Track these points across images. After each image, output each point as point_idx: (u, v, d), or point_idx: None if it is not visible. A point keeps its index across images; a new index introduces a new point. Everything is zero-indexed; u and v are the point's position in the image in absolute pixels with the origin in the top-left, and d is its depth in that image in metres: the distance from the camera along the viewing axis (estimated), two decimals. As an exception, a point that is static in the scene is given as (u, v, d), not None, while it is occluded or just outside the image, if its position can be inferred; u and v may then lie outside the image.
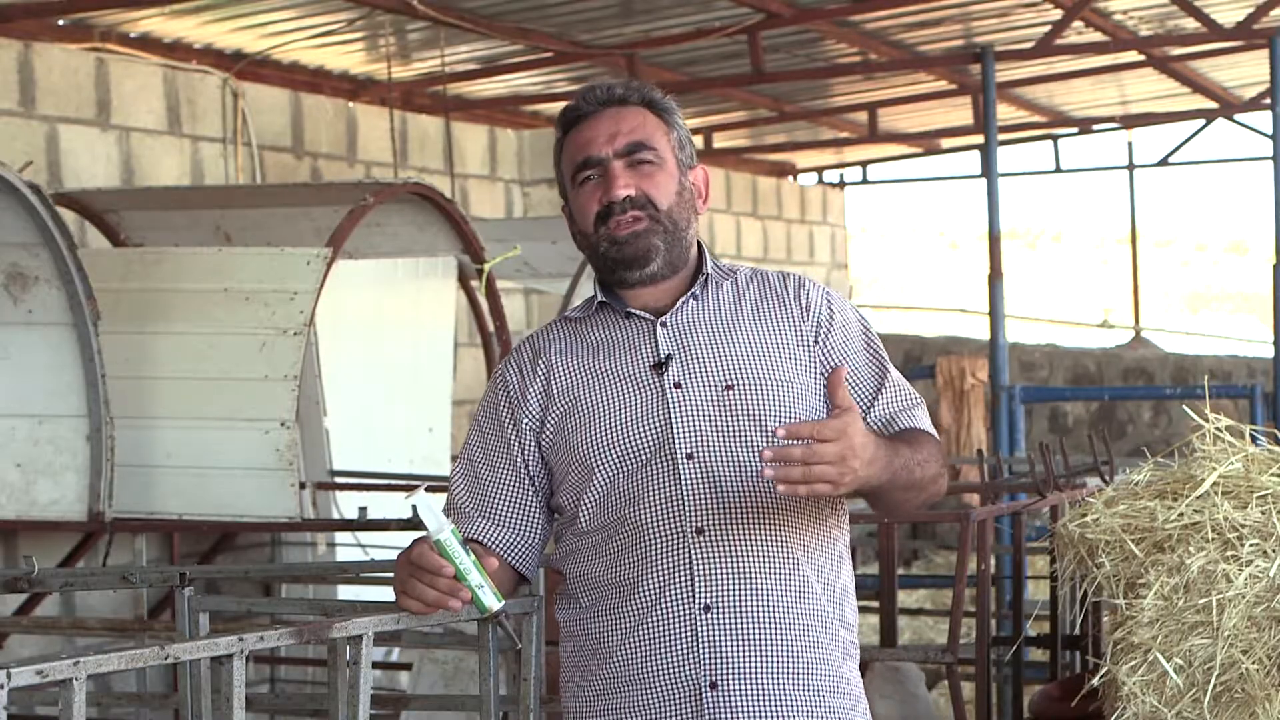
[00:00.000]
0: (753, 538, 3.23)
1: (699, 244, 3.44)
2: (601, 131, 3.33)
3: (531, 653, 3.62)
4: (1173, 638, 4.28)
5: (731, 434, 3.26)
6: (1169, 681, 4.24)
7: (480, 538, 3.35)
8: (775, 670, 3.22)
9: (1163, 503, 4.49)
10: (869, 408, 3.35)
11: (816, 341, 3.36)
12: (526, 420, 3.38)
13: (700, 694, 3.21)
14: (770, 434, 3.21)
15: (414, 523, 3.14)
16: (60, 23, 9.64)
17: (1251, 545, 4.29)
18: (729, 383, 3.28)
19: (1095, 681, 4.51)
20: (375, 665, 5.10)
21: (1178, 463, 4.72)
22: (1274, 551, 4.26)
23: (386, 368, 9.50)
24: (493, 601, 3.17)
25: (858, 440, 3.01)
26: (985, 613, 5.90)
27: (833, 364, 3.35)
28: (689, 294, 3.37)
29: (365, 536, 8.04)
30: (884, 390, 3.38)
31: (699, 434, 3.26)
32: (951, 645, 5.94)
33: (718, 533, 3.23)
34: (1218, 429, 4.59)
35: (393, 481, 8.59)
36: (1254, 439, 4.72)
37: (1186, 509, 4.39)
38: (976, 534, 5.91)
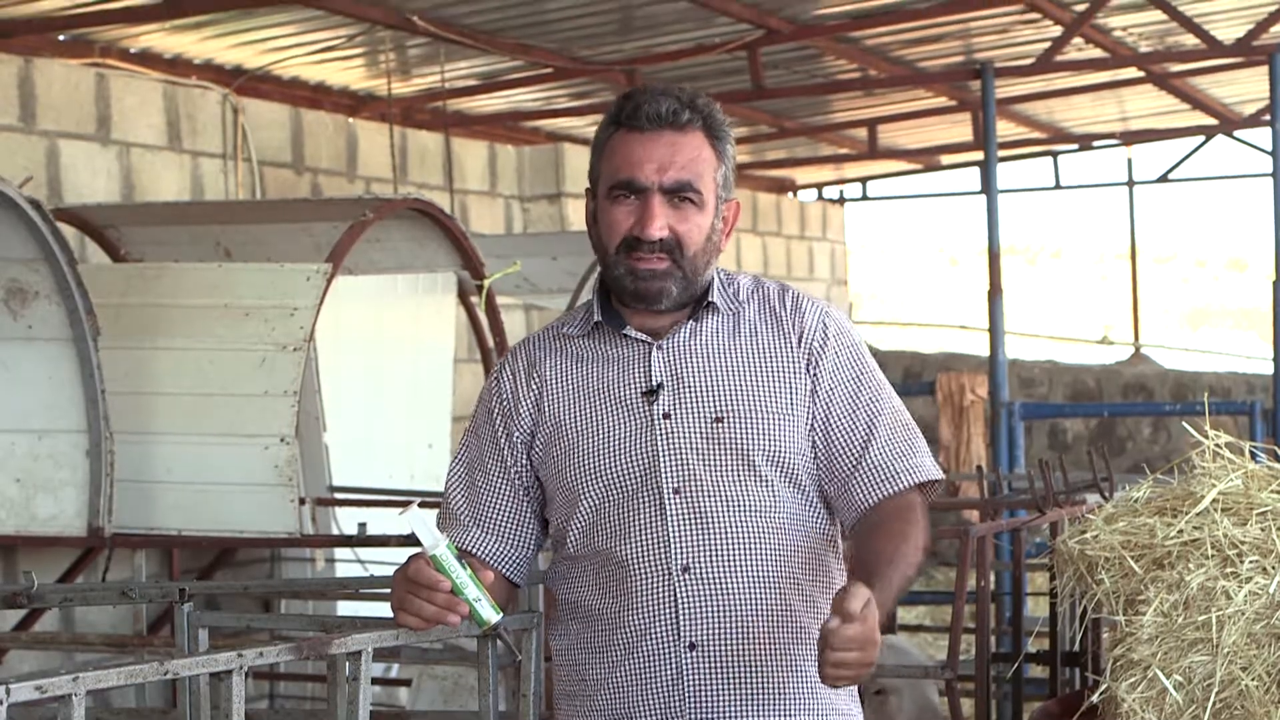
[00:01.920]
0: (739, 575, 3.21)
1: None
2: (654, 157, 3.24)
3: (531, 669, 3.62)
4: (1172, 654, 4.27)
5: (719, 468, 3.23)
6: (1169, 698, 4.24)
7: (474, 547, 3.35)
8: (760, 709, 3.21)
9: (1162, 519, 4.48)
10: (861, 453, 3.29)
11: (808, 370, 3.31)
12: (519, 433, 3.36)
13: None
14: (756, 467, 3.20)
15: (413, 539, 3.14)
16: (61, 38, 9.65)
17: (1251, 562, 4.29)
18: (718, 414, 3.25)
19: (1095, 698, 4.50)
20: (374, 681, 5.09)
21: (1177, 479, 4.71)
22: (1274, 568, 4.26)
23: (386, 383, 9.50)
24: (490, 615, 3.17)
25: (870, 630, 2.92)
26: (985, 629, 5.90)
27: (821, 397, 3.29)
28: (689, 318, 3.33)
29: (364, 552, 8.03)
30: (877, 433, 3.30)
31: (686, 468, 3.23)
32: (951, 661, 5.93)
33: (703, 570, 3.21)
34: (1217, 445, 4.59)
35: (392, 497, 8.58)
36: (1254, 455, 4.71)
37: (1186, 526, 4.38)
38: (976, 550, 5.91)
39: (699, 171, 3.27)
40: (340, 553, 8.53)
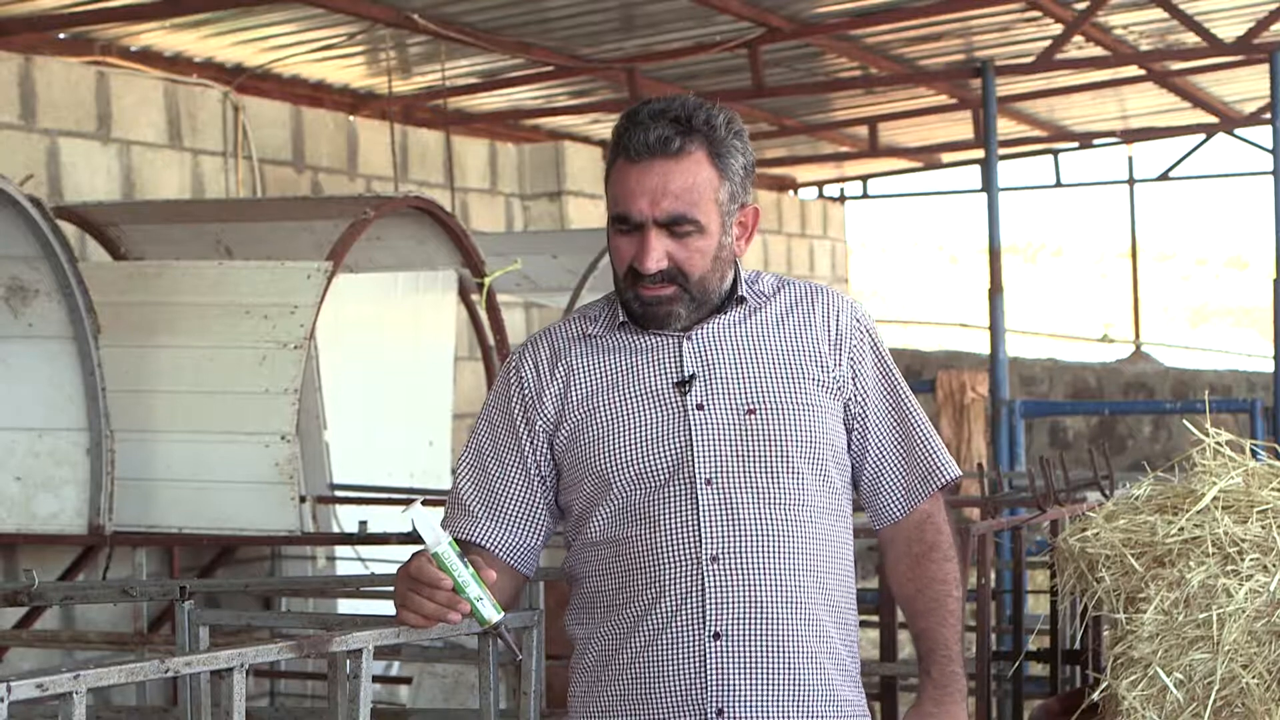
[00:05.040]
0: (766, 566, 3.22)
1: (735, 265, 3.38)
2: (647, 187, 3.19)
3: (532, 666, 3.61)
4: (1173, 652, 4.27)
5: (751, 459, 3.24)
6: (1169, 696, 4.23)
7: (485, 539, 3.34)
8: (780, 699, 3.23)
9: (1163, 517, 4.48)
10: (897, 457, 3.41)
11: (845, 365, 3.36)
12: (541, 421, 3.35)
13: (707, 719, 3.21)
14: (789, 460, 3.25)
15: (414, 536, 3.14)
16: (61, 36, 9.66)
17: (1251, 560, 4.28)
18: (751, 406, 3.26)
19: (1095, 696, 4.50)
20: (375, 679, 5.09)
21: (1178, 477, 4.71)
22: (1274, 566, 4.26)
23: (386, 381, 9.50)
24: (491, 613, 3.17)
25: None
26: (985, 627, 5.89)
27: (862, 396, 3.38)
28: (716, 312, 3.33)
29: (365, 550, 8.03)
30: (912, 438, 3.42)
31: (719, 459, 3.24)
32: (952, 660, 5.91)
33: (732, 560, 3.22)
34: (1218, 443, 4.58)
35: (393, 495, 8.59)
36: (1254, 454, 4.71)
37: (1187, 524, 4.38)
38: (976, 548, 5.90)
39: (694, 200, 3.21)
40: (341, 550, 8.53)
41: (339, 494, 8.86)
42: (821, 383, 3.32)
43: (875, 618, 7.38)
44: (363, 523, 6.89)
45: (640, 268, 3.22)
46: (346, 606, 7.57)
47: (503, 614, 3.20)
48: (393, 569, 3.40)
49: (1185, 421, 4.99)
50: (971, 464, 11.89)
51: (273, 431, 6.99)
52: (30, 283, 7.05)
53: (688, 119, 3.23)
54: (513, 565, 3.37)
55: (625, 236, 3.25)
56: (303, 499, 7.80)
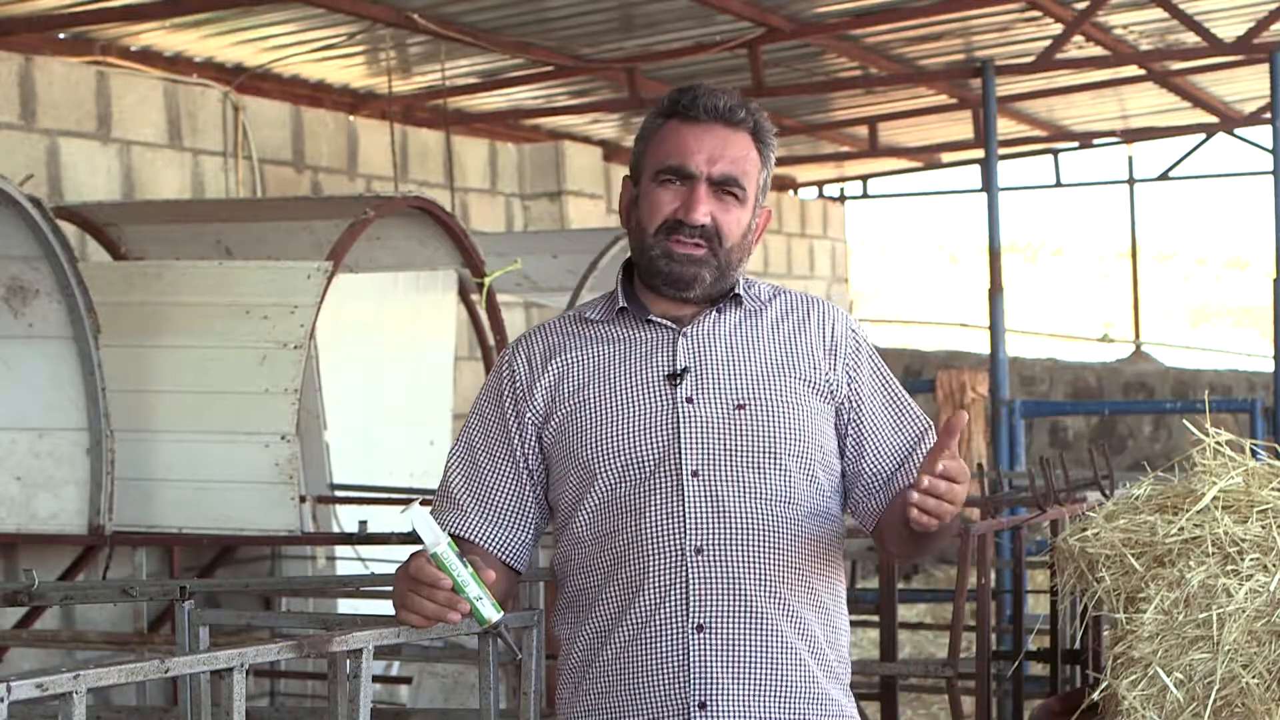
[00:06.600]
0: (750, 559, 3.24)
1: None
2: (705, 147, 3.31)
3: (532, 666, 3.62)
4: (1173, 652, 4.27)
5: (738, 454, 3.26)
6: (1169, 696, 4.24)
7: (475, 534, 3.36)
8: (762, 693, 3.23)
9: (1163, 517, 4.48)
10: (901, 464, 3.39)
11: (840, 373, 3.37)
12: (530, 415, 3.37)
13: (689, 713, 3.21)
14: (776, 456, 3.26)
15: (414, 536, 3.14)
16: (61, 36, 9.65)
17: (1252, 560, 4.29)
18: (740, 402, 3.28)
19: (1095, 696, 4.50)
20: (375, 679, 5.09)
21: (1178, 477, 4.71)
22: (1274, 566, 4.26)
23: (387, 381, 9.50)
24: (491, 613, 3.17)
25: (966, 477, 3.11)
26: (985, 627, 5.90)
27: (859, 405, 3.38)
28: (712, 308, 3.37)
29: (365, 550, 8.04)
30: (921, 448, 3.40)
31: (706, 452, 3.26)
32: (952, 660, 5.93)
33: (716, 553, 3.23)
34: (1218, 443, 4.58)
35: (393, 495, 8.59)
36: (1254, 453, 4.71)
37: (1187, 523, 4.38)
38: (977, 548, 5.91)
39: (745, 169, 3.33)
40: (341, 550, 8.53)
41: (339, 494, 8.86)
42: (813, 384, 3.34)
43: (875, 618, 7.40)
44: (363, 523, 6.89)
45: (688, 217, 3.29)
46: (346, 606, 7.57)
47: (502, 613, 3.20)
48: (393, 569, 3.40)
49: (1185, 421, 4.99)
50: (971, 464, 11.90)
51: (273, 431, 6.99)
52: (30, 283, 7.05)
53: (744, 102, 3.39)
54: (502, 560, 3.38)
55: (668, 189, 3.32)
56: (303, 499, 7.80)
